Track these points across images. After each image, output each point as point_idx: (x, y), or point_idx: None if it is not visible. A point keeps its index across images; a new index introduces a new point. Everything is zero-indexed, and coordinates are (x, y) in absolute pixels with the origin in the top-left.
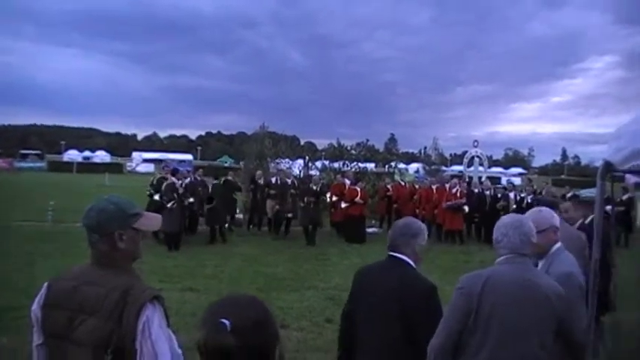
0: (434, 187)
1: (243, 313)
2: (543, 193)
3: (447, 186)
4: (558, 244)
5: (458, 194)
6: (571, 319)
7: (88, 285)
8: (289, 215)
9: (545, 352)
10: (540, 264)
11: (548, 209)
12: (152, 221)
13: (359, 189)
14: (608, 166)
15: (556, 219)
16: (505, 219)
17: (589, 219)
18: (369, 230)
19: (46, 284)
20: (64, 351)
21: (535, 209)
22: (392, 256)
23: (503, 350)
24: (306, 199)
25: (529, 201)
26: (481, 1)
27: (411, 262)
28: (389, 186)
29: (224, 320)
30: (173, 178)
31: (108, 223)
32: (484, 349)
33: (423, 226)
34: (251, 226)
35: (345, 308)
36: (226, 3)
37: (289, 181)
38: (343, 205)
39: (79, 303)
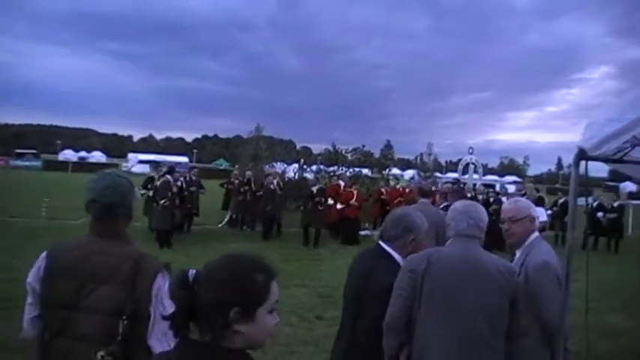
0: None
1: (212, 265)
2: (527, 194)
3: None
4: (536, 234)
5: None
6: (543, 300)
7: (98, 254)
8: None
9: (493, 327)
10: (518, 253)
11: (525, 200)
12: None
13: (355, 191)
14: (582, 153)
15: (533, 209)
16: (456, 205)
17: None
18: (363, 233)
19: (44, 256)
20: (73, 320)
21: (512, 199)
22: (378, 245)
23: (444, 324)
24: (306, 202)
25: None
26: (478, 10)
27: (395, 256)
28: (383, 189)
29: (191, 270)
30: (168, 176)
31: (129, 196)
32: (426, 323)
33: (422, 220)
34: (244, 226)
35: None
36: (223, 6)
37: (275, 182)
38: (339, 206)
39: (90, 272)
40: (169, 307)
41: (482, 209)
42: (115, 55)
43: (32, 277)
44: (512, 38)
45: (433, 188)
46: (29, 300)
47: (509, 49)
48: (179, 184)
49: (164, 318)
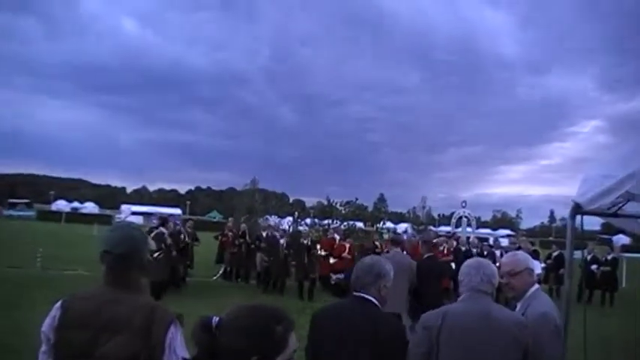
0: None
1: (235, 314)
2: (522, 247)
3: (433, 242)
4: (535, 286)
5: (445, 252)
6: (543, 352)
7: (111, 305)
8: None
9: None
10: (518, 306)
11: (522, 253)
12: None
13: (348, 245)
14: (577, 207)
15: (531, 261)
16: (469, 261)
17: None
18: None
19: (58, 306)
20: None
21: (510, 253)
22: (357, 296)
23: None
24: (300, 254)
25: None
26: (469, 65)
27: (377, 303)
28: (377, 242)
29: (215, 317)
30: (162, 228)
31: (142, 249)
32: None
33: (390, 266)
34: (239, 279)
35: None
36: (217, 59)
37: (282, 241)
38: (332, 260)
39: (104, 322)
40: (181, 356)
41: (493, 266)
42: (109, 108)
43: (47, 326)
44: (505, 92)
45: (435, 240)
46: (43, 348)
47: (501, 103)
48: (182, 236)
49: None
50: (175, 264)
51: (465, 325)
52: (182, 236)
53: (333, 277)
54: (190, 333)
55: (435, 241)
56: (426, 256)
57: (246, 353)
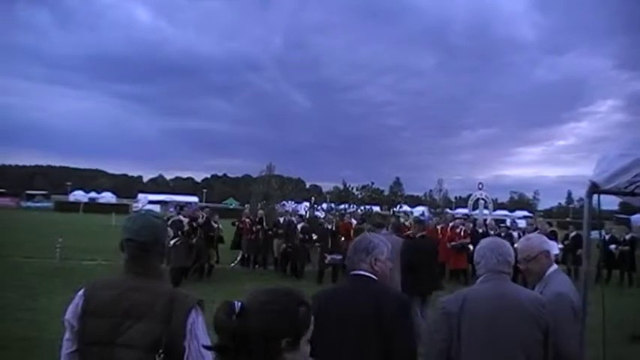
0: (439, 227)
1: (260, 298)
2: (539, 229)
3: (451, 225)
4: (554, 267)
5: (462, 234)
6: (560, 332)
7: (133, 292)
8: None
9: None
10: (537, 287)
11: (536, 235)
12: None
13: (365, 230)
14: (594, 186)
15: (546, 243)
16: (484, 242)
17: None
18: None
19: (81, 293)
20: (110, 356)
21: (524, 238)
22: (354, 274)
23: None
24: (324, 239)
25: None
26: (485, 46)
27: (374, 278)
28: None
29: (237, 302)
30: (180, 216)
31: (162, 237)
32: None
33: (382, 242)
34: (257, 266)
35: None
36: (232, 46)
37: (299, 224)
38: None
39: (126, 309)
40: (203, 341)
41: (509, 245)
42: (124, 97)
43: (70, 313)
44: (520, 74)
45: (451, 223)
46: (67, 335)
47: (516, 84)
48: (214, 224)
49: (207, 348)
50: (199, 251)
51: (483, 307)
52: (213, 224)
53: (328, 257)
54: (211, 320)
55: (451, 223)
56: (418, 235)
57: (278, 335)
